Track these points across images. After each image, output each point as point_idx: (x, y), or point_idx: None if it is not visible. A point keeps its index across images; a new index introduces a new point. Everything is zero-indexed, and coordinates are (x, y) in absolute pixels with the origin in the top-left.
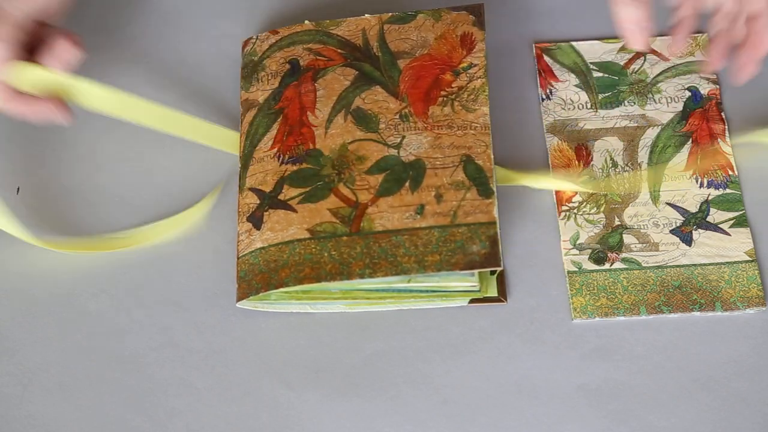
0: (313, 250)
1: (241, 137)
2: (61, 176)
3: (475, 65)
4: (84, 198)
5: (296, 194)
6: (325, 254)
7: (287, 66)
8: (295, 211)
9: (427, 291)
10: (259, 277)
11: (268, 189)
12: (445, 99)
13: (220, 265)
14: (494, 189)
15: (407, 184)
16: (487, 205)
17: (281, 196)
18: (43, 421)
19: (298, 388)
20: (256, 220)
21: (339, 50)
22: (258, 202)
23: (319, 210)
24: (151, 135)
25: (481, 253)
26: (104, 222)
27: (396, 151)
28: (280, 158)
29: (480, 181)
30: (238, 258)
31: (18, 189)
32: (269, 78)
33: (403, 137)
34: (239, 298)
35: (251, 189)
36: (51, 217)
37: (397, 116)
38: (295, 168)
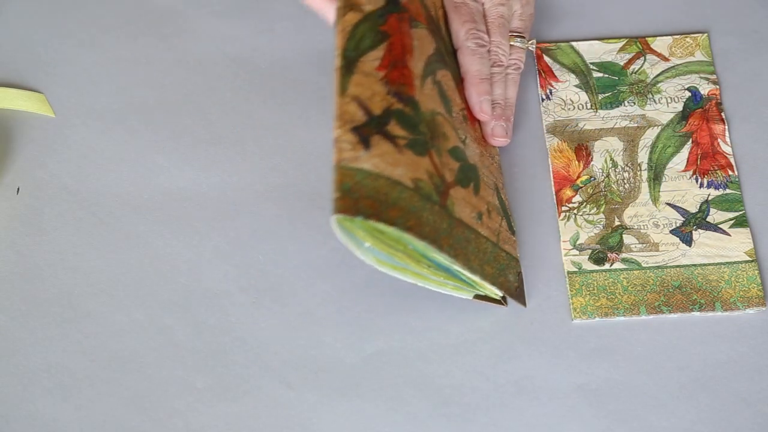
0: (417, 204)
1: (340, 33)
2: (61, 176)
3: None
4: (84, 198)
5: (402, 135)
6: (424, 214)
7: None
8: (401, 152)
9: (460, 277)
10: (367, 201)
11: (376, 111)
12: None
13: (220, 265)
14: (515, 229)
15: (472, 184)
16: (513, 242)
17: (389, 129)
18: (43, 421)
19: (298, 388)
20: (363, 137)
21: (422, 10)
22: (365, 119)
23: (419, 165)
24: (151, 135)
25: (514, 285)
26: (104, 222)
27: (463, 147)
28: (387, 86)
29: (506, 215)
30: (339, 165)
31: (18, 189)
32: None
33: (466, 137)
34: (342, 211)
35: (357, 100)
36: (51, 217)
37: (461, 113)
38: (400, 106)
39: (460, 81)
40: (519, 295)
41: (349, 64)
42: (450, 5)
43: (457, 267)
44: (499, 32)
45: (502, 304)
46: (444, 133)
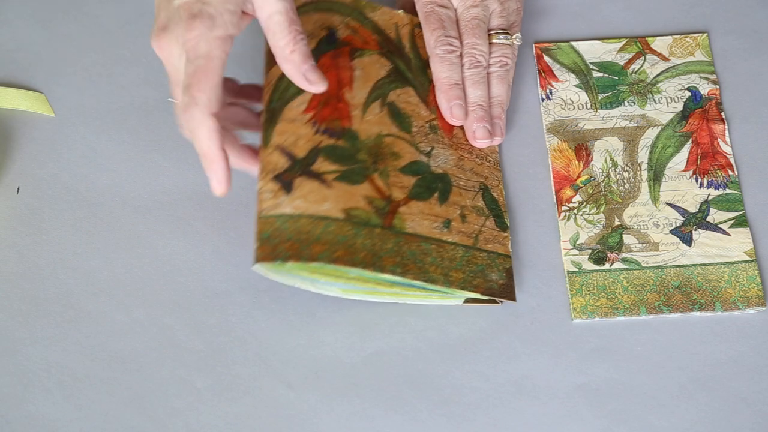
0: (348, 233)
1: (265, 87)
2: (61, 176)
3: None
4: (84, 198)
5: (332, 170)
6: (359, 241)
7: (324, 32)
8: (330, 187)
9: (428, 287)
10: (287, 244)
11: (300, 154)
12: None
13: (220, 265)
14: (509, 225)
15: (436, 195)
16: (503, 239)
17: (315, 167)
18: (43, 421)
19: (298, 388)
20: (285, 183)
21: (374, 36)
22: (288, 164)
23: (354, 194)
24: (151, 135)
25: (499, 282)
26: (104, 222)
27: (426, 159)
28: (315, 126)
29: (496, 213)
30: (259, 217)
31: (18, 189)
32: None
33: (433, 148)
34: (261, 260)
35: (280, 148)
36: (51, 217)
37: (427, 125)
38: (331, 142)
39: (429, 93)
40: (505, 292)
41: (272, 116)
42: (421, 15)
43: (414, 282)
44: (473, 34)
45: (496, 303)
46: (394, 153)
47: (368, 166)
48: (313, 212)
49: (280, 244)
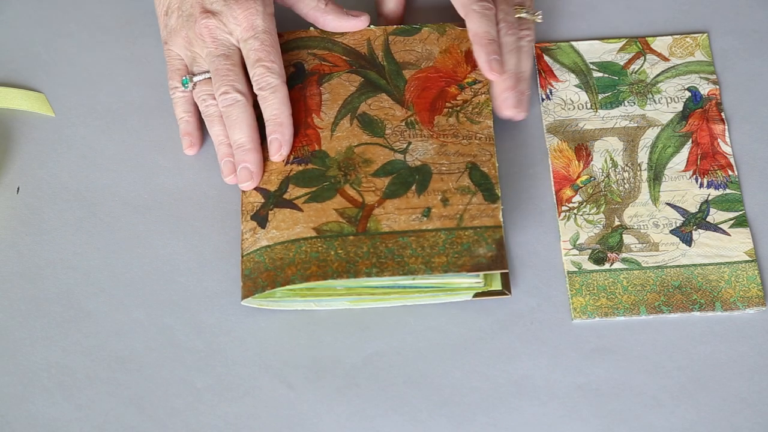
0: (320, 248)
1: None
2: (61, 176)
3: (480, 81)
4: (84, 198)
5: (302, 194)
6: (332, 252)
7: (292, 69)
8: (300, 210)
9: (431, 287)
10: (264, 275)
11: (272, 188)
12: (450, 110)
13: (220, 265)
14: (499, 194)
15: (413, 187)
16: (493, 210)
17: (287, 196)
18: (43, 421)
19: (298, 388)
20: (260, 218)
21: (344, 57)
22: (263, 200)
23: (325, 210)
24: (151, 135)
25: (488, 255)
26: (104, 222)
27: (402, 156)
28: (285, 159)
29: (485, 187)
30: (242, 256)
31: (18, 189)
32: None
33: (409, 143)
34: (244, 296)
35: (255, 188)
36: (51, 217)
37: (403, 123)
38: (300, 168)
39: (405, 92)
40: (494, 264)
41: None
42: None
43: (394, 278)
44: (505, 2)
45: (505, 294)
46: (366, 160)
47: (339, 180)
48: (286, 238)
49: (258, 276)
